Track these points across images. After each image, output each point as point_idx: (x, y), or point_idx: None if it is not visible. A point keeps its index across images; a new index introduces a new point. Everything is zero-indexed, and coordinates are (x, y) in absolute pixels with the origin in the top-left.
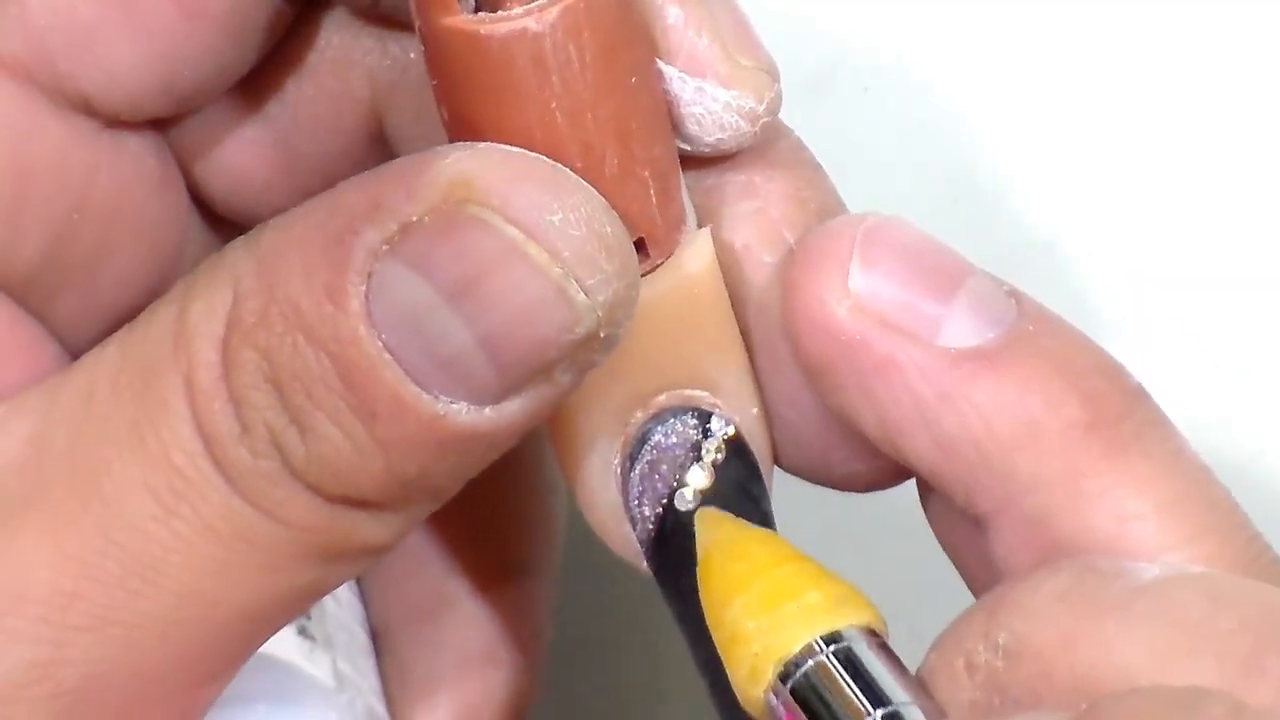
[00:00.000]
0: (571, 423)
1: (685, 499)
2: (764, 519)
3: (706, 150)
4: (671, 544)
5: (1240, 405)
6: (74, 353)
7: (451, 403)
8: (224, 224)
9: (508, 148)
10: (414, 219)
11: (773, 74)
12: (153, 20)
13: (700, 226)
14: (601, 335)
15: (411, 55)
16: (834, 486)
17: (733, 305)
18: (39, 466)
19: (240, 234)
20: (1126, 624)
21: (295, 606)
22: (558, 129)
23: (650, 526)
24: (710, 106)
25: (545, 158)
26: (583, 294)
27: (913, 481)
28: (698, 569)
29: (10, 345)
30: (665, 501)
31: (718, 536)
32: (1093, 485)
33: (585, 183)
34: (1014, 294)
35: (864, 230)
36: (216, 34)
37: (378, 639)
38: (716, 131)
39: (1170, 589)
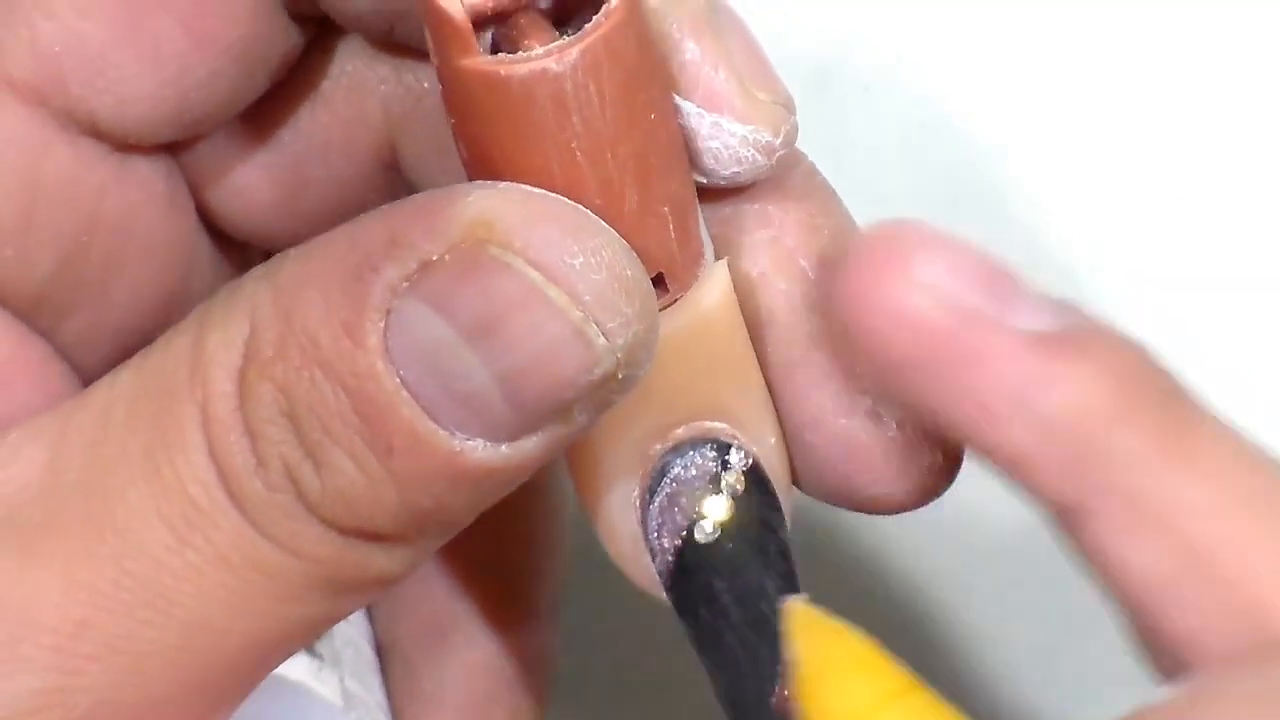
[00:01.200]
0: (590, 456)
1: (705, 530)
2: (781, 549)
3: (723, 183)
4: (691, 576)
5: (1243, 408)
6: (82, 373)
7: (468, 439)
8: (234, 247)
9: (529, 188)
10: (434, 257)
11: (789, 107)
12: (163, 46)
13: (717, 256)
14: (620, 376)
15: (426, 85)
16: (858, 509)
17: (750, 333)
18: (53, 494)
19: (251, 258)
20: None
21: (306, 635)
22: (578, 167)
23: (670, 559)
24: (727, 141)
25: (566, 199)
26: (603, 337)
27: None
28: (796, 683)
29: (19, 365)
30: (684, 534)
31: (817, 649)
32: (1185, 456)
33: (606, 224)
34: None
35: (916, 231)
36: (227, 60)
37: (384, 655)
38: (733, 165)
39: (1217, 689)
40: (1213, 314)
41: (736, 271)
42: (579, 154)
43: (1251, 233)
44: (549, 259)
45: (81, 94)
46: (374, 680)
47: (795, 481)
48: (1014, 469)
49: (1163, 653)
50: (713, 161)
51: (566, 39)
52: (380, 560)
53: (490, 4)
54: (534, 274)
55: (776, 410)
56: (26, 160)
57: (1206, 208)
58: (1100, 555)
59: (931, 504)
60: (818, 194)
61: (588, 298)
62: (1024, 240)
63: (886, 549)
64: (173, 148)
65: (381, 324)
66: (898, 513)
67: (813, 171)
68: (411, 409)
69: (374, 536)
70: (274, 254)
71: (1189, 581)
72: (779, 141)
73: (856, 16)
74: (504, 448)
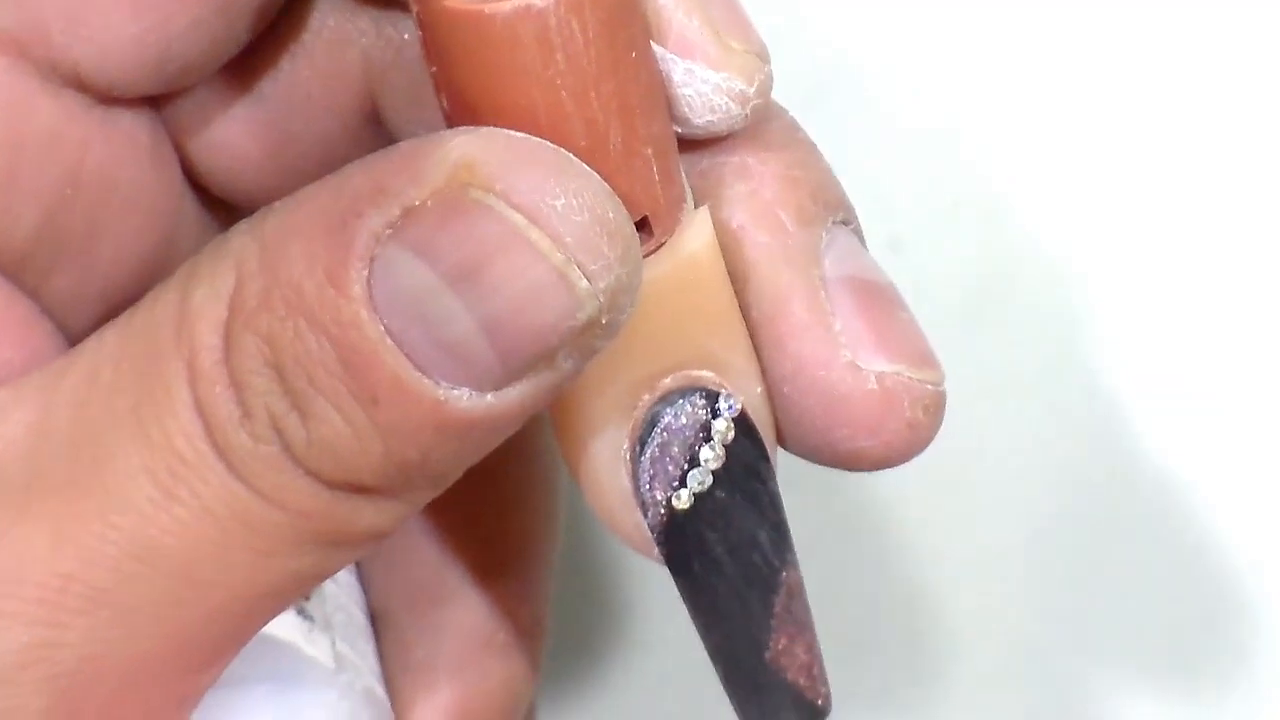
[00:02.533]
0: (575, 409)
1: (697, 480)
2: (772, 500)
3: (698, 132)
4: (684, 529)
5: (1238, 410)
6: (68, 332)
7: (453, 388)
8: (219, 206)
9: (511, 132)
10: (417, 203)
11: (763, 57)
12: None
13: (698, 207)
14: (604, 321)
15: (406, 37)
16: (840, 465)
17: (733, 284)
18: (41, 453)
19: (236, 216)
20: None
21: (293, 591)
22: (562, 107)
23: (662, 511)
24: (700, 88)
25: (549, 142)
26: (585, 280)
27: (910, 481)
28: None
29: (4, 323)
30: (676, 484)
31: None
32: None
33: (588, 168)
34: None
35: None
36: (208, 10)
37: (377, 622)
38: (706, 114)
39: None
40: (1212, 318)
41: (717, 224)
42: (563, 93)
43: (1255, 238)
44: (530, 201)
45: (64, 42)
46: (367, 646)
47: (778, 439)
48: None
49: None
50: (686, 109)
51: None
52: (368, 514)
53: None
54: (516, 216)
55: (758, 362)
56: (9, 113)
57: (1207, 213)
58: None
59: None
60: (797, 147)
61: (569, 240)
62: (1022, 245)
63: (870, 526)
64: (155, 102)
65: (365, 272)
66: (878, 468)
67: (793, 126)
68: (395, 358)
69: (361, 489)
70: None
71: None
72: (753, 90)
73: (855, 22)
74: (489, 396)
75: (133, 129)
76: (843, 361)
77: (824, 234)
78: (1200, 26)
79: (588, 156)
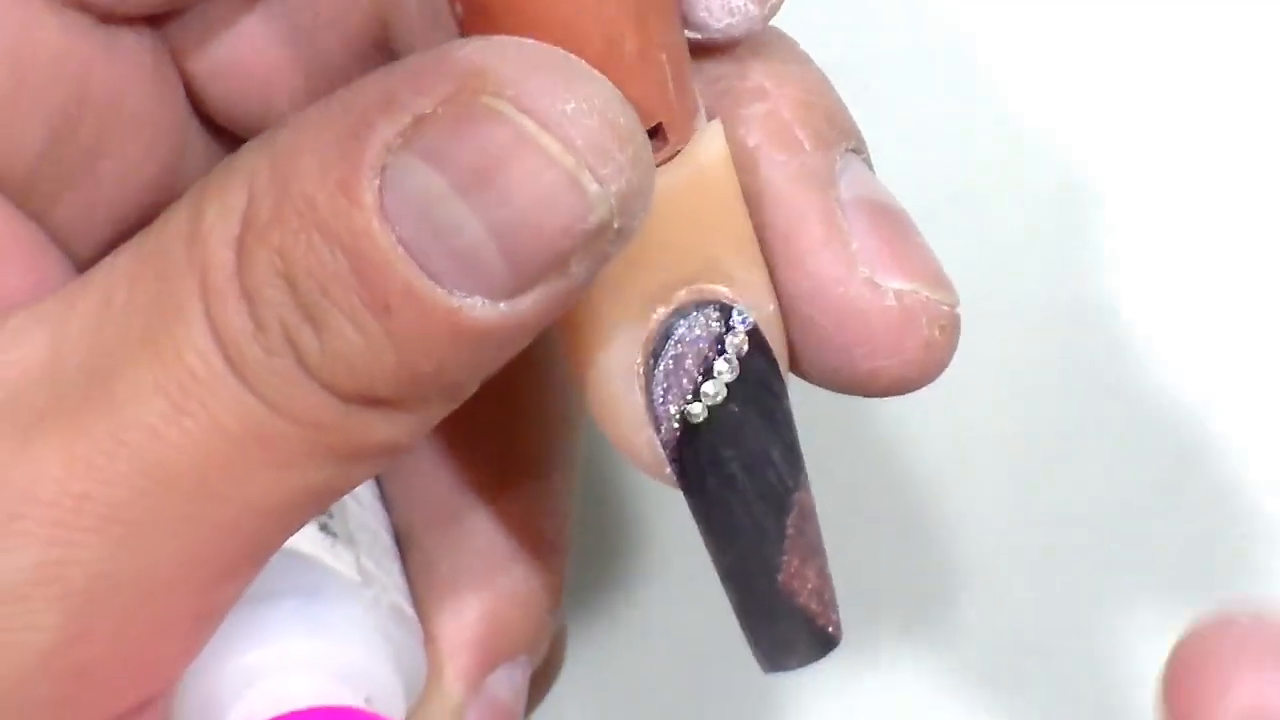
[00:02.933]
0: (585, 322)
1: (710, 394)
2: (785, 417)
3: (717, 36)
4: (698, 444)
5: (1243, 408)
6: (75, 258)
7: (465, 297)
8: (223, 133)
9: (522, 40)
10: (427, 111)
11: None
12: None
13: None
14: (616, 225)
15: None
16: (855, 389)
17: (747, 203)
18: (56, 377)
19: (240, 143)
20: None
21: (310, 506)
22: (579, 10)
23: (675, 425)
24: None
25: (559, 49)
26: (596, 183)
27: (913, 477)
28: None
29: (11, 249)
30: (690, 396)
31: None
32: None
33: (599, 73)
34: None
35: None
36: None
37: (401, 542)
38: (725, 16)
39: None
40: (1220, 312)
41: (733, 143)
42: None
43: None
44: (541, 105)
45: None
46: (393, 565)
47: (792, 365)
48: None
49: None
50: (705, 13)
51: None
52: (383, 427)
53: None
54: (526, 121)
55: (773, 282)
56: (10, 33)
57: (1208, 205)
58: None
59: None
60: (810, 72)
61: (580, 143)
62: (1025, 240)
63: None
64: (159, 22)
65: (377, 181)
66: (894, 392)
67: (806, 57)
68: (408, 266)
69: (375, 401)
70: None
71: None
72: None
73: (856, 16)
74: (502, 305)
75: (136, 50)
76: (860, 278)
77: (839, 158)
78: (1204, 20)
79: (602, 61)
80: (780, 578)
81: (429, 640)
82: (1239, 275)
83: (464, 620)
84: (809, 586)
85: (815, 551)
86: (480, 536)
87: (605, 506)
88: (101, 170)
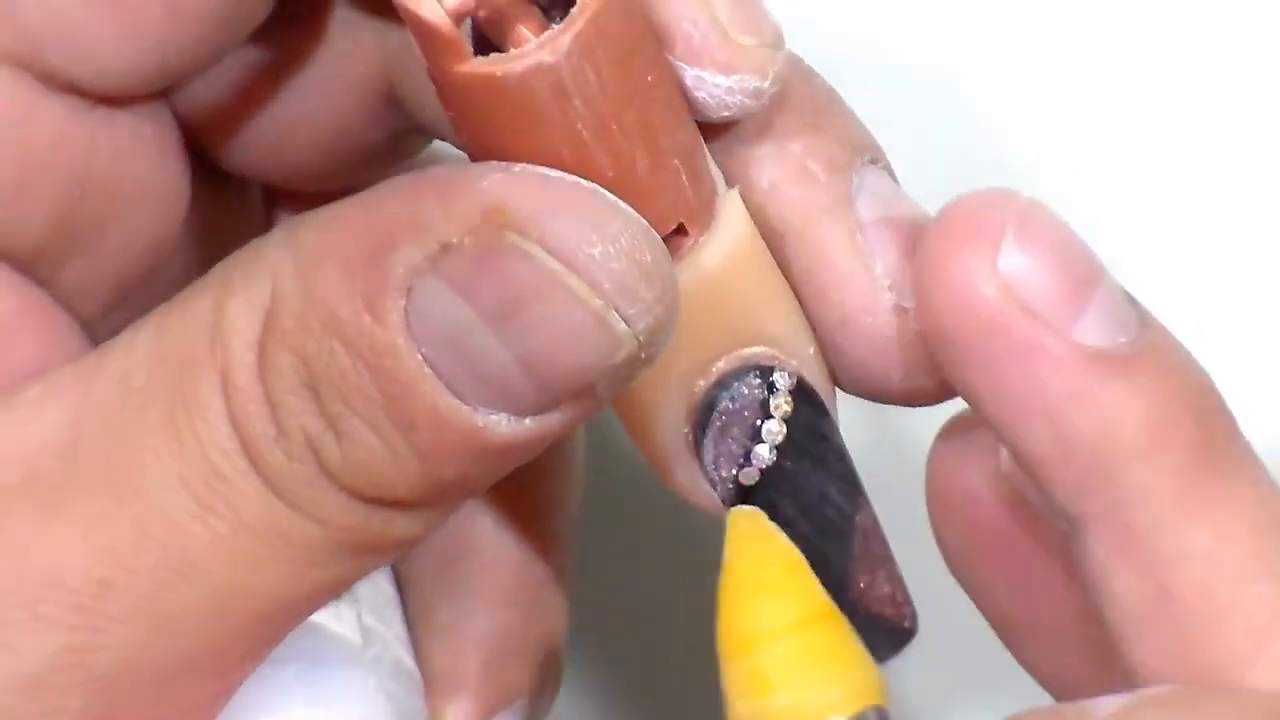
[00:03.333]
0: (634, 400)
1: (761, 456)
2: (838, 453)
3: (713, 123)
4: (755, 500)
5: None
6: (80, 316)
7: (490, 414)
8: (231, 181)
9: (544, 171)
10: (454, 240)
11: (776, 44)
12: (142, 19)
13: (725, 178)
14: (642, 356)
15: None
16: (897, 404)
17: (769, 245)
18: (74, 456)
19: (248, 191)
20: None
21: (328, 594)
22: (586, 147)
23: (730, 487)
24: (712, 91)
25: (582, 181)
26: (623, 323)
27: (913, 477)
28: (721, 576)
29: (22, 317)
30: (742, 462)
31: (745, 550)
32: (1198, 503)
33: (624, 206)
34: (1136, 302)
35: (1018, 211)
36: (207, 27)
37: (403, 589)
38: (721, 111)
39: (1138, 713)
40: (1227, 314)
41: (747, 187)
42: (585, 134)
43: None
44: (568, 248)
45: (60, 64)
46: (394, 615)
47: (834, 382)
48: (1033, 469)
49: (1123, 672)
50: (701, 109)
51: (555, 27)
52: (402, 524)
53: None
54: (553, 263)
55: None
56: (16, 120)
57: (1215, 204)
58: (1087, 567)
59: None
60: (816, 93)
61: (608, 286)
62: None
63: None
64: (161, 93)
65: (403, 302)
66: (936, 403)
67: (809, 73)
68: (433, 386)
69: (396, 504)
70: (270, 187)
71: (1160, 623)
72: (767, 84)
73: (858, 15)
74: (527, 421)
75: (136, 124)
76: (887, 306)
77: (854, 177)
78: (1203, 18)
79: (617, 184)
80: (851, 595)
81: (428, 684)
82: (1237, 277)
83: (463, 665)
84: (882, 594)
85: (882, 560)
86: (479, 580)
87: (605, 506)
88: (105, 238)
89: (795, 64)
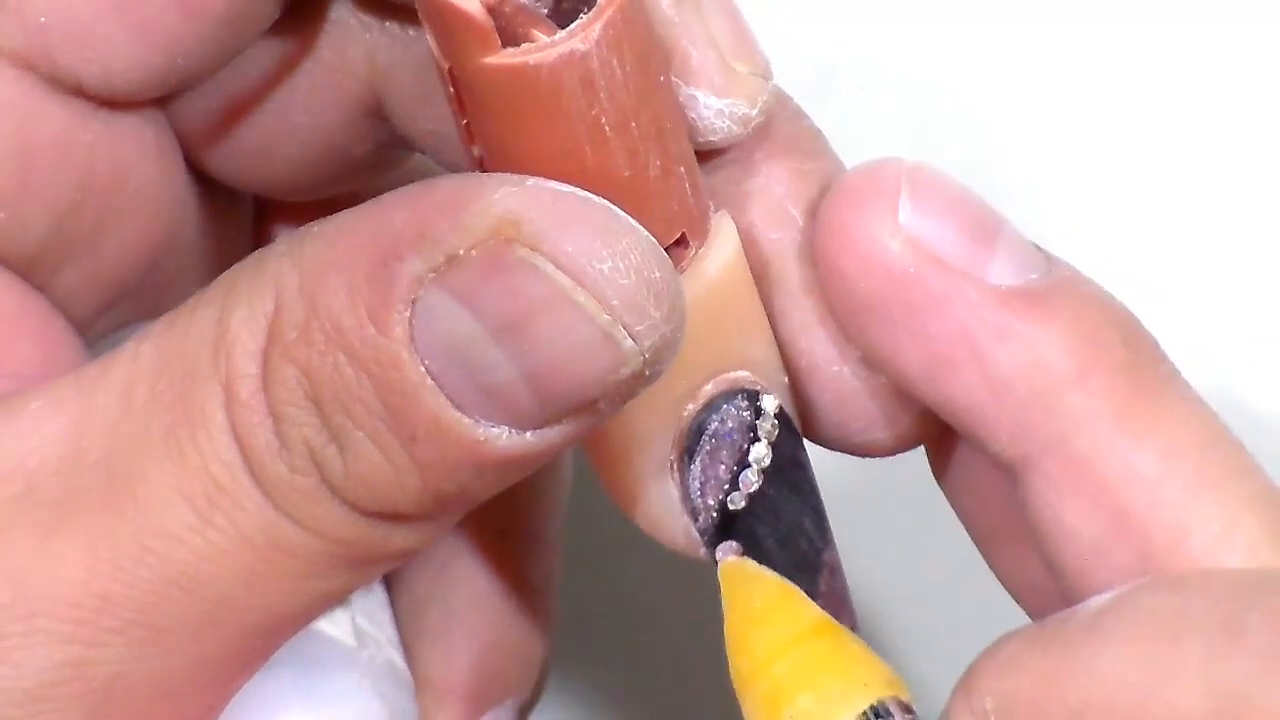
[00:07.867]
0: (620, 430)
1: (749, 480)
2: (812, 485)
3: (699, 147)
4: (736, 528)
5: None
6: (76, 319)
7: (492, 427)
8: (224, 191)
9: (556, 186)
10: (460, 252)
11: (766, 75)
12: (151, 18)
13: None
14: (646, 373)
15: (411, 33)
16: (854, 454)
17: None
18: (76, 470)
19: (240, 201)
20: (1101, 644)
21: (325, 606)
22: (606, 143)
23: (714, 515)
24: (702, 113)
25: (593, 196)
26: (630, 339)
27: (914, 476)
28: (725, 625)
29: (21, 322)
30: (728, 487)
31: (740, 593)
32: (1138, 423)
33: (635, 224)
34: (1039, 247)
35: (908, 170)
36: (215, 27)
37: (393, 591)
38: (709, 134)
39: (1131, 598)
40: (1221, 315)
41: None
42: (607, 129)
43: (1266, 234)
44: (577, 263)
45: (68, 63)
46: (385, 616)
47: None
48: (965, 422)
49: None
50: (689, 131)
51: (583, 18)
52: (401, 536)
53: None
54: (562, 278)
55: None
56: (20, 123)
57: (1213, 206)
58: (1035, 509)
59: None
60: (804, 139)
61: (616, 302)
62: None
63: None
64: (160, 101)
65: (407, 314)
66: (892, 454)
67: (798, 114)
68: (436, 398)
69: (396, 517)
70: (263, 197)
71: (1118, 548)
72: (755, 113)
73: (854, 16)
74: (529, 435)
75: (138, 129)
76: (854, 357)
77: None
78: (1204, 22)
79: (630, 185)
80: None
81: (419, 684)
82: (1236, 277)
83: (453, 665)
84: None
85: (844, 601)
86: (469, 582)
87: (592, 510)
88: (104, 243)
89: (784, 102)
